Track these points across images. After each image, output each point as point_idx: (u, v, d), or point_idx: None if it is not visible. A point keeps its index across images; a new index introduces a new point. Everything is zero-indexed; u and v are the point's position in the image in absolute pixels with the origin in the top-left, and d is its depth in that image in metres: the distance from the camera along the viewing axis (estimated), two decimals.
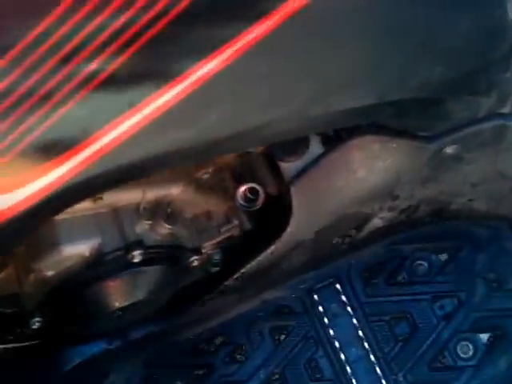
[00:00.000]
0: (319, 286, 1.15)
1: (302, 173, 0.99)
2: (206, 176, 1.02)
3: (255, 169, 1.04)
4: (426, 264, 1.16)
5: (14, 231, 0.74)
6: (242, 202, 1.04)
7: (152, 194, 0.98)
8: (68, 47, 0.64)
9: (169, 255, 1.01)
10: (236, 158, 1.04)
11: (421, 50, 0.82)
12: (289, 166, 1.00)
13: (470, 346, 1.12)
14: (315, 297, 1.15)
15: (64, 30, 0.63)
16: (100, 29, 0.64)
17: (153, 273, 0.99)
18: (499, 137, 1.00)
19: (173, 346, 1.16)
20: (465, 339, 1.12)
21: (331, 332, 1.13)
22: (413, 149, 0.98)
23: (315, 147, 1.00)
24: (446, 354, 1.12)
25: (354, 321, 1.13)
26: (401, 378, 1.11)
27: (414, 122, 0.96)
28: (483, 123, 0.98)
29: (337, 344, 1.13)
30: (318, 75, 0.80)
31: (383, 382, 1.10)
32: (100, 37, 0.65)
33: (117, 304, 0.99)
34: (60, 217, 0.89)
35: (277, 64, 0.76)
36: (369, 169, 1.00)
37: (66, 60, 0.64)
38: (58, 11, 0.62)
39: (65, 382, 1.13)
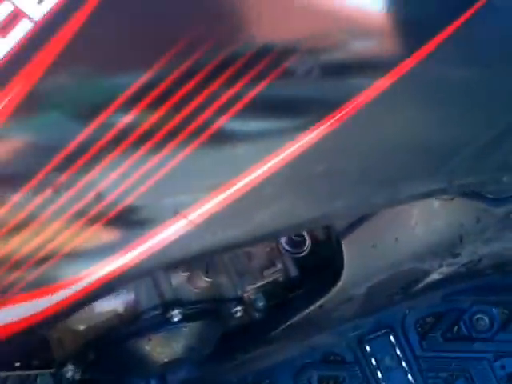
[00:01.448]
0: (372, 335, 1.08)
1: (354, 225, 0.92)
2: None
3: None
4: (486, 319, 1.08)
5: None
6: (286, 247, 0.98)
7: None
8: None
9: (209, 309, 0.95)
10: None
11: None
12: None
13: None
14: (367, 347, 1.08)
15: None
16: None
17: (193, 328, 0.94)
18: None
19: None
20: None
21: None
22: (478, 210, 0.90)
23: None
24: None
25: (410, 377, 1.06)
26: None
27: (479, 186, 0.88)
28: None
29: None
30: (387, 167, 0.74)
31: None
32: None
33: (155, 361, 0.94)
34: None
35: (338, 161, 0.71)
36: (428, 226, 0.92)
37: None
38: None
39: None
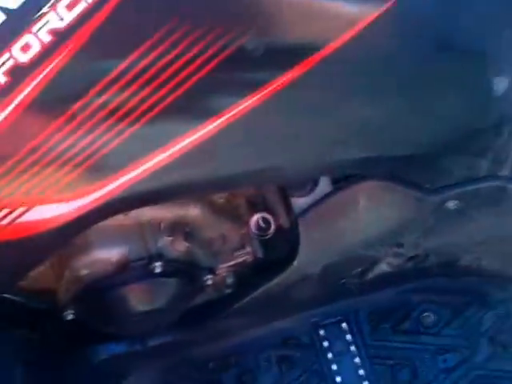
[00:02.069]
0: (327, 322, 1.18)
1: (309, 208, 1.03)
2: (221, 200, 1.08)
3: (268, 200, 1.09)
4: (433, 316, 1.17)
5: (70, 231, 0.83)
6: (254, 230, 1.10)
7: (172, 212, 1.04)
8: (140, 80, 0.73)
9: (186, 270, 1.07)
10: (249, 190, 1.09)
11: (421, 115, 0.86)
12: (298, 201, 1.04)
13: None
14: (321, 332, 1.18)
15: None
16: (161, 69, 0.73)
17: (170, 285, 1.05)
18: (498, 199, 1.02)
19: (187, 359, 1.21)
20: None
21: (334, 367, 1.16)
22: (416, 199, 1.00)
23: (324, 186, 1.03)
24: None
25: (357, 360, 1.16)
26: None
27: (419, 174, 0.98)
28: (480, 183, 0.99)
29: (338, 379, 1.15)
30: (333, 127, 0.85)
31: None
32: (161, 75, 0.73)
33: (136, 309, 1.06)
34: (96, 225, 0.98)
35: (298, 114, 0.82)
36: (373, 213, 1.03)
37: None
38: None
39: (86, 378, 1.20)
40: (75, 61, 0.71)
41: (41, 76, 0.70)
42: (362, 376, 1.15)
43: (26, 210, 0.75)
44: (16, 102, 0.70)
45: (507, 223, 1.04)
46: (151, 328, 1.13)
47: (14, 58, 0.69)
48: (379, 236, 1.05)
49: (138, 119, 0.74)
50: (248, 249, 1.11)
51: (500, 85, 0.84)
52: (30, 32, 0.69)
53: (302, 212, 1.02)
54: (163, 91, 0.73)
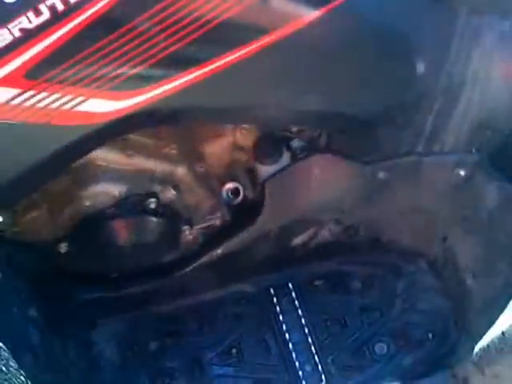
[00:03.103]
0: (276, 283, 1.46)
1: (273, 175, 1.32)
2: (201, 169, 1.36)
3: (238, 171, 1.35)
4: (359, 283, 1.47)
5: (112, 130, 1.03)
6: (225, 198, 1.37)
7: (165, 167, 1.30)
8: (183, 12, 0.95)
9: (171, 214, 1.32)
10: (223, 161, 1.38)
11: (357, 82, 1.14)
12: (265, 169, 1.33)
13: (384, 347, 1.40)
14: (271, 290, 1.45)
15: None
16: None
17: (157, 224, 1.30)
18: (416, 172, 1.33)
19: (152, 312, 1.43)
20: (381, 341, 1.41)
21: (281, 318, 1.42)
22: (355, 170, 1.31)
23: (286, 158, 1.31)
24: (365, 349, 1.40)
25: (300, 312, 1.43)
26: (329, 360, 1.39)
27: (356, 148, 1.29)
28: (402, 157, 1.27)
29: (284, 327, 1.41)
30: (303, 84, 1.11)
31: (316, 358, 1.38)
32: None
33: (125, 242, 1.29)
34: (106, 163, 1.23)
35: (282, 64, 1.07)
36: (322, 182, 1.33)
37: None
38: None
39: (67, 317, 1.34)
40: None
41: None
42: (303, 325, 1.42)
43: (84, 100, 0.97)
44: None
45: (421, 194, 1.36)
46: (133, 266, 1.36)
47: None
48: (326, 201, 1.34)
49: (180, 40, 0.96)
50: (218, 215, 1.39)
51: (420, 66, 1.16)
52: None
53: (267, 178, 1.32)
54: (200, 21, 0.96)
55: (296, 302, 1.44)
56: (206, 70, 1.02)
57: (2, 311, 1.08)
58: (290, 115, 1.17)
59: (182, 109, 1.06)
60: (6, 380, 0.98)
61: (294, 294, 1.45)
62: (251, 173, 1.35)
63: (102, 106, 0.99)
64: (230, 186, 1.37)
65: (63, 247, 1.28)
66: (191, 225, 1.36)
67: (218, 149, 1.34)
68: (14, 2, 0.89)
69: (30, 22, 0.90)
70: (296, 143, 1.32)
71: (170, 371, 1.39)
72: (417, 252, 1.46)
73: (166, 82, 1.01)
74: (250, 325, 1.43)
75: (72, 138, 1.00)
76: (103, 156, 1.21)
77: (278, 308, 1.44)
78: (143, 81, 1.00)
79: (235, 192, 1.37)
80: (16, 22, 0.89)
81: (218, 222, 1.40)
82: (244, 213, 1.37)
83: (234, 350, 1.41)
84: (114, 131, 1.06)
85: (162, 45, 0.98)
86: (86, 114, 0.99)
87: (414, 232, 1.43)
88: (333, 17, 1.06)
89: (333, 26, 1.07)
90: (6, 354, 1.00)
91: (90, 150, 1.13)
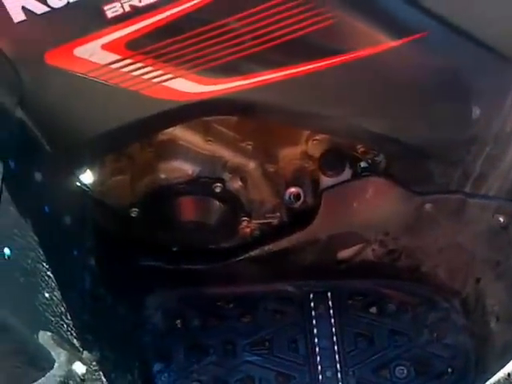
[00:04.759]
0: (316, 290, 1.54)
1: (332, 187, 1.41)
2: (271, 169, 1.46)
3: (303, 178, 1.44)
4: (394, 307, 1.52)
5: (193, 110, 1.14)
6: (287, 200, 1.45)
7: (237, 158, 1.38)
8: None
9: (234, 202, 1.40)
10: (293, 166, 1.44)
11: (416, 113, 1.21)
12: (326, 180, 1.42)
13: (405, 371, 1.45)
14: (311, 295, 1.53)
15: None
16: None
17: (220, 208, 1.41)
18: (460, 210, 1.34)
19: (200, 293, 1.54)
20: (403, 365, 1.46)
21: (314, 322, 1.50)
22: (405, 197, 1.38)
23: (346, 174, 1.38)
24: (386, 370, 1.46)
25: (332, 321, 1.50)
26: (350, 372, 1.45)
27: (410, 177, 1.37)
28: (449, 193, 1.34)
29: (315, 331, 1.49)
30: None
31: (338, 367, 1.44)
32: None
33: (189, 218, 1.40)
34: (186, 143, 1.32)
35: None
36: (374, 202, 1.40)
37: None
38: None
39: (124, 279, 1.45)
40: None
41: None
42: (333, 333, 1.49)
43: (172, 78, 1.08)
44: None
45: (462, 233, 1.41)
46: (192, 244, 1.47)
47: None
48: (374, 221, 1.42)
49: (265, 43, 1.06)
50: (277, 214, 1.49)
51: (476, 110, 1.21)
52: None
53: (325, 188, 1.41)
54: (287, 30, 1.05)
55: (331, 311, 1.51)
56: (282, 73, 1.13)
57: (63, 249, 1.17)
58: (351, 130, 1.26)
59: (256, 104, 1.17)
60: (46, 305, 1.02)
61: (330, 303, 1.51)
62: (314, 181, 1.45)
63: (187, 87, 1.11)
64: (293, 190, 1.46)
65: (134, 212, 1.41)
66: (250, 218, 1.46)
67: (290, 154, 1.44)
68: None
69: (140, 1, 1.04)
70: (359, 162, 1.40)
71: (205, 348, 1.49)
72: (452, 289, 1.50)
73: (246, 77, 1.12)
74: (286, 322, 1.51)
75: (155, 109, 1.12)
76: (185, 136, 1.34)
77: (313, 312, 1.51)
78: (226, 72, 1.11)
79: (297, 196, 1.46)
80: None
81: (276, 222, 1.49)
82: (299, 217, 1.47)
83: (266, 343, 1.49)
84: (193, 111, 1.18)
85: (249, 44, 1.09)
86: (172, 90, 1.11)
87: (451, 269, 1.48)
88: (409, 48, 1.14)
89: (407, 56, 1.16)
90: (54, 285, 1.05)
91: (170, 125, 1.25)
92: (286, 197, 1.47)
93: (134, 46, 1.06)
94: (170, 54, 1.07)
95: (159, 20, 1.05)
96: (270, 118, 1.29)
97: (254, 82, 1.13)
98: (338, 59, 1.13)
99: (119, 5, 1.03)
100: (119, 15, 1.03)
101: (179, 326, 1.53)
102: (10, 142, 1.05)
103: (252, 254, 1.48)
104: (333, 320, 1.49)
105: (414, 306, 1.52)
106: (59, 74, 1.07)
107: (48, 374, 0.92)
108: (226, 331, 1.51)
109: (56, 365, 0.94)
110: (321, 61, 1.12)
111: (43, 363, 0.93)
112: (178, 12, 1.05)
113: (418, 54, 1.16)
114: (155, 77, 1.10)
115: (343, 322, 1.50)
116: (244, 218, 1.46)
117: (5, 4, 1.01)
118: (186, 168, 1.37)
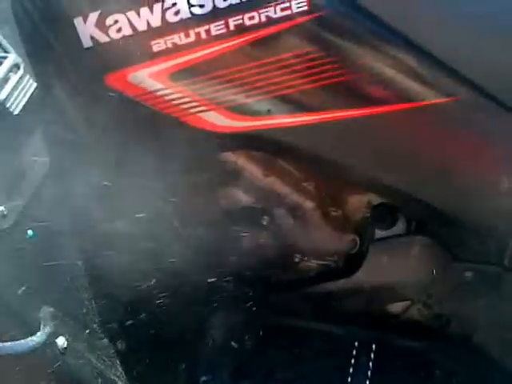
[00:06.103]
0: (363, 339, 1.52)
1: (380, 239, 1.42)
2: (333, 212, 1.47)
3: (362, 227, 1.45)
4: (440, 373, 1.46)
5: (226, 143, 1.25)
6: (345, 246, 1.47)
7: (294, 197, 1.42)
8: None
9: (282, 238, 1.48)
10: (355, 214, 1.47)
11: (439, 178, 1.20)
12: (378, 232, 1.44)
13: None
14: (356, 343, 1.52)
15: None
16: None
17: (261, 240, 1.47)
18: (497, 284, 1.30)
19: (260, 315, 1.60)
20: None
21: (351, 370, 1.49)
22: (446, 260, 1.32)
23: (399, 228, 1.41)
24: None
25: (369, 373, 1.47)
26: None
27: (451, 241, 1.31)
28: (487, 265, 1.30)
29: (349, 379, 1.48)
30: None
31: None
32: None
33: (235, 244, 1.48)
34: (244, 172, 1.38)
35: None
36: (418, 261, 1.37)
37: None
38: None
39: None
40: None
41: None
42: None
43: (204, 110, 1.18)
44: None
45: (500, 308, 1.32)
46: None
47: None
48: (414, 279, 1.39)
49: (296, 86, 1.13)
50: (335, 258, 1.51)
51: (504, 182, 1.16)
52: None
53: (376, 240, 1.41)
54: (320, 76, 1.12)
55: (370, 364, 1.48)
56: (307, 118, 1.18)
57: None
58: (374, 184, 1.27)
59: (281, 143, 1.24)
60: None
61: (372, 356, 1.49)
62: (371, 232, 1.45)
63: (217, 120, 1.20)
64: (351, 236, 1.48)
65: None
66: (303, 255, 1.50)
67: (357, 202, 1.45)
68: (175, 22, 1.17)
69: (180, 39, 1.17)
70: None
71: (247, 371, 1.55)
72: (501, 365, 1.40)
73: (273, 117, 1.20)
74: (325, 360, 1.52)
75: (189, 135, 1.22)
76: (247, 167, 1.41)
77: (353, 360, 1.50)
78: (254, 111, 1.19)
79: (354, 243, 1.48)
80: (169, 38, 1.16)
81: (332, 265, 1.52)
82: (349, 263, 1.48)
83: (303, 380, 1.51)
84: (223, 144, 1.27)
85: (281, 86, 1.17)
86: (204, 121, 1.22)
87: (498, 344, 1.39)
88: (440, 109, 1.14)
89: (437, 117, 1.15)
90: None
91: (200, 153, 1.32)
92: (345, 242, 1.49)
93: (176, 78, 1.18)
94: (204, 88, 1.17)
95: (196, 57, 1.16)
96: (292, 159, 1.34)
97: (279, 123, 1.19)
98: (369, 110, 1.16)
99: (163, 41, 1.17)
100: (163, 50, 1.17)
101: (235, 346, 1.61)
102: None
103: (307, 290, 1.52)
104: (369, 373, 1.47)
105: (461, 376, 1.44)
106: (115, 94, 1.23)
107: (29, 338, 1.06)
108: (271, 357, 1.55)
109: (38, 333, 1.07)
110: (351, 110, 1.16)
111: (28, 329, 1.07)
112: (214, 52, 1.16)
113: (448, 116, 1.15)
114: (191, 107, 1.20)
115: (380, 378, 1.47)
116: (297, 255, 1.50)
117: (78, 32, 1.20)
118: (238, 196, 1.44)
